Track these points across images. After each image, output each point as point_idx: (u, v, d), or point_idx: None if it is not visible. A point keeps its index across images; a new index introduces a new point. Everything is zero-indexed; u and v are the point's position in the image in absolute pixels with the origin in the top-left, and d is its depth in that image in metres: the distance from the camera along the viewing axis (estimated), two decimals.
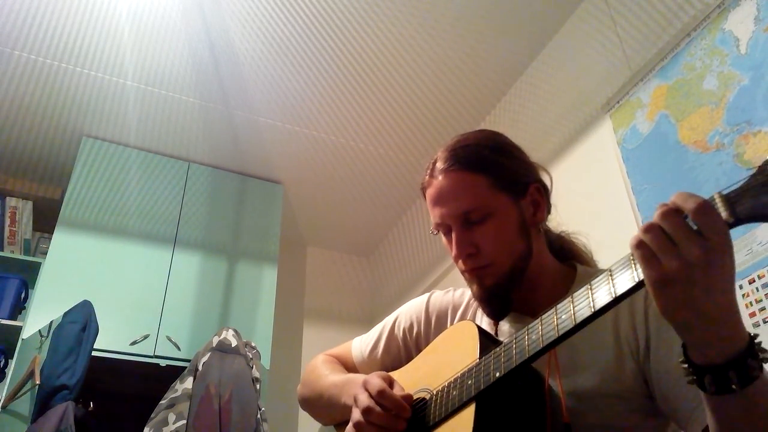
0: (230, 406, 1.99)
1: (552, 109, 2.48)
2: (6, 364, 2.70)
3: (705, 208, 0.57)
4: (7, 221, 2.95)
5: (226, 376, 2.06)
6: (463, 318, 1.05)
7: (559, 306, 0.73)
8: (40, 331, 2.37)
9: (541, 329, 0.74)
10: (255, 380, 2.14)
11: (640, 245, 0.60)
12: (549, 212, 1.00)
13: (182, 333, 2.65)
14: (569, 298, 0.72)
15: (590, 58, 2.30)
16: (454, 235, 0.93)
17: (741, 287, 1.52)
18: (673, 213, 0.58)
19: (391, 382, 0.91)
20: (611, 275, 0.66)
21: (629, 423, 0.83)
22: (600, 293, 0.67)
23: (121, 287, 2.67)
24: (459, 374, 0.85)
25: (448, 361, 0.90)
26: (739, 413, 0.61)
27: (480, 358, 0.83)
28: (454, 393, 0.83)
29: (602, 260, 1.02)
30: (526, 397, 0.81)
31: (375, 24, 2.49)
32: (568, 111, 2.37)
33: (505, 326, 0.97)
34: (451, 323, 1.06)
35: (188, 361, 2.33)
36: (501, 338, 0.88)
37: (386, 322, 1.15)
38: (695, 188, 1.69)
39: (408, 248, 3.54)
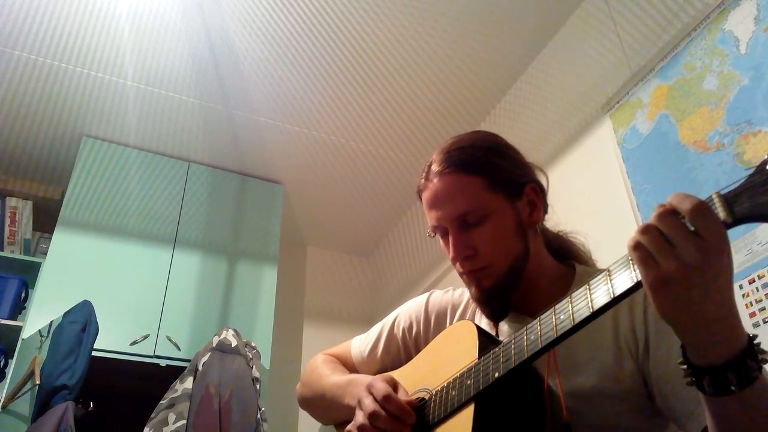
0: (230, 406, 1.99)
1: (552, 109, 2.48)
2: (6, 364, 2.70)
3: (701, 208, 0.56)
4: (7, 221, 2.95)
5: (226, 376, 2.06)
6: (462, 318, 1.05)
7: (557, 306, 0.73)
8: (40, 331, 2.37)
9: (540, 329, 0.74)
10: (255, 380, 2.14)
11: (637, 246, 0.59)
12: (546, 212, 0.99)
13: (182, 333, 2.65)
14: (568, 298, 0.72)
15: (590, 58, 2.30)
16: (451, 238, 0.93)
17: (741, 287, 1.52)
18: (670, 214, 0.58)
19: (395, 386, 0.91)
20: (609, 275, 0.66)
21: (629, 423, 0.82)
22: (598, 293, 0.67)
23: (121, 287, 2.67)
24: (458, 374, 0.85)
25: (447, 360, 0.90)
26: (738, 414, 0.61)
27: (479, 358, 0.83)
28: (453, 393, 0.83)
29: (602, 260, 1.02)
30: (525, 398, 0.81)
31: (375, 24, 2.49)
32: (568, 111, 2.37)
33: (504, 326, 0.97)
34: (451, 323, 1.06)
35: (188, 361, 2.33)
36: (501, 338, 0.88)
37: (385, 322, 1.15)
38: (695, 188, 1.69)
39: (408, 248, 3.54)
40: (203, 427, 1.91)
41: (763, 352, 0.59)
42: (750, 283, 1.51)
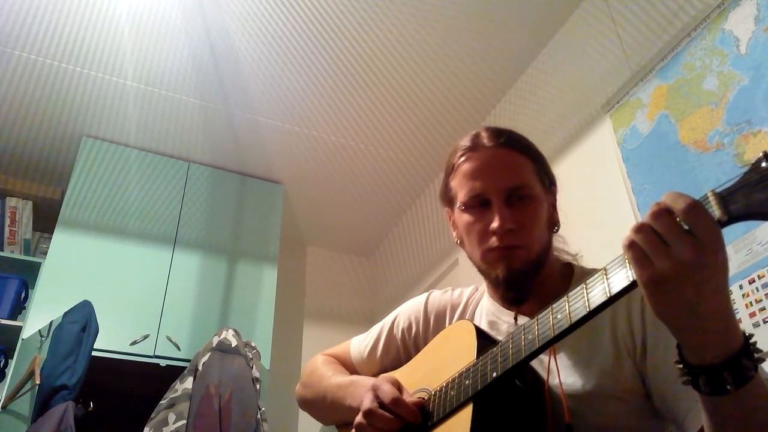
0: (230, 406, 1.99)
1: (552, 109, 2.48)
2: (6, 364, 2.70)
3: (695, 207, 0.56)
4: (7, 221, 2.95)
5: (226, 376, 2.06)
6: (461, 317, 1.05)
7: (554, 305, 0.73)
8: (40, 331, 2.37)
9: (537, 329, 0.74)
10: (255, 380, 2.14)
11: (631, 245, 0.59)
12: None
13: (182, 333, 2.65)
14: (565, 297, 0.72)
15: (590, 58, 2.29)
16: (497, 209, 0.90)
17: (741, 287, 1.52)
18: (664, 213, 0.58)
19: (400, 388, 0.91)
20: (606, 274, 0.66)
21: (629, 424, 0.82)
22: (595, 292, 0.67)
23: (121, 287, 2.67)
24: (457, 374, 0.85)
25: (446, 360, 0.90)
26: (734, 413, 0.61)
27: (477, 358, 0.83)
28: (452, 393, 0.84)
29: (602, 260, 1.02)
30: (525, 398, 0.81)
31: (375, 24, 2.49)
32: (568, 111, 2.37)
33: (508, 322, 0.97)
34: (450, 323, 1.06)
35: (188, 361, 2.33)
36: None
37: (385, 322, 1.15)
38: (695, 188, 1.69)
39: (408, 248, 3.54)
40: (203, 427, 1.91)
41: (759, 351, 0.59)
42: (750, 283, 1.50)
